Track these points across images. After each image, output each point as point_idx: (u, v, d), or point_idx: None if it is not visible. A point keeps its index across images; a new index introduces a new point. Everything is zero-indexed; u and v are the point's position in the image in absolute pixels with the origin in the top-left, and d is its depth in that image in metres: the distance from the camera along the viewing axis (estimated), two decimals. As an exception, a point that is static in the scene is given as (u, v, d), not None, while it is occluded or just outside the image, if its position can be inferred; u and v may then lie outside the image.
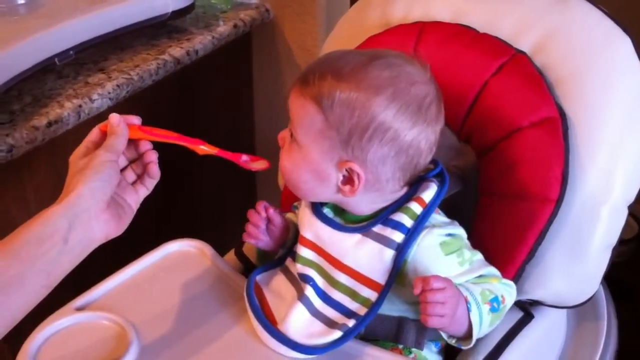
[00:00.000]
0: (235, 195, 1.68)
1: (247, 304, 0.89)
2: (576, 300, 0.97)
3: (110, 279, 0.98)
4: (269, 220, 0.95)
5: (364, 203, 0.87)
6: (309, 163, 0.84)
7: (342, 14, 1.56)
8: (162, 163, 0.85)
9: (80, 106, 1.11)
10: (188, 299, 0.95)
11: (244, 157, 0.88)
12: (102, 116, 1.16)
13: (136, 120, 0.84)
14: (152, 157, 0.84)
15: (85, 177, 0.76)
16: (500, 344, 0.92)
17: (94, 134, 0.83)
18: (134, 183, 0.85)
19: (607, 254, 0.94)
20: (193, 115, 1.49)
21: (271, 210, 0.95)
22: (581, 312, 1.10)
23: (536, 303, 0.98)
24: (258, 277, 0.93)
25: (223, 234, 1.10)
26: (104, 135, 0.82)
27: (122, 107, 1.21)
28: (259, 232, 0.95)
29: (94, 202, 0.75)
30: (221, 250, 1.07)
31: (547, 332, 1.01)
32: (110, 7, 1.25)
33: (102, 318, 0.91)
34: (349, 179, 0.83)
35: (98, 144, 0.81)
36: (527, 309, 0.98)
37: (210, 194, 1.62)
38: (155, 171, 0.84)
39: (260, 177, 1.71)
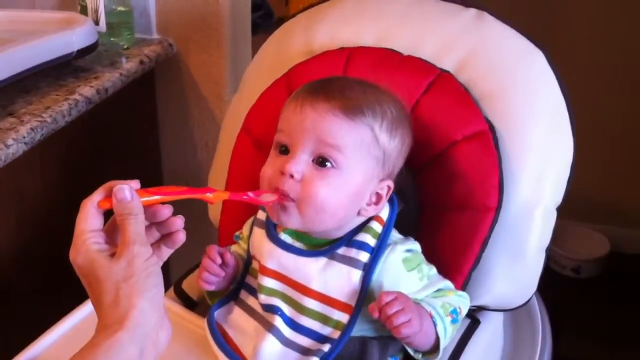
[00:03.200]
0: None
1: (213, 342, 0.86)
2: (518, 302, 1.02)
3: (49, 332, 0.93)
4: (223, 264, 0.92)
5: (352, 224, 0.87)
6: (352, 186, 0.84)
7: (247, 45, 1.59)
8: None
9: (-5, 153, 1.04)
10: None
11: (250, 194, 0.83)
12: (19, 161, 1.10)
13: (136, 184, 0.71)
14: (179, 223, 0.73)
15: (137, 287, 0.65)
16: (455, 351, 0.95)
17: (94, 217, 0.69)
18: None
19: (543, 255, 1.00)
20: (105, 155, 1.44)
21: (228, 255, 0.92)
22: (515, 315, 1.15)
23: (480, 308, 1.02)
24: (215, 314, 0.91)
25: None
26: (100, 217, 0.70)
27: (37, 151, 1.15)
28: (214, 277, 0.92)
29: (158, 314, 0.66)
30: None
31: (492, 335, 1.05)
32: (15, 49, 1.19)
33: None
34: (377, 198, 0.86)
35: (107, 231, 0.70)
36: (473, 316, 1.01)
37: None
38: (181, 239, 0.73)
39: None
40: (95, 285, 0.67)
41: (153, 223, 0.73)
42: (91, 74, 1.34)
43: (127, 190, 0.69)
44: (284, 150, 0.85)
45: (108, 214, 0.72)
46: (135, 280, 0.65)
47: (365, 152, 0.84)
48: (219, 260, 0.91)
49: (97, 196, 0.70)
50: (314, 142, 0.83)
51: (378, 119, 0.85)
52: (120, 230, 0.69)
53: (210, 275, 0.91)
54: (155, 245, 0.73)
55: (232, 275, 0.94)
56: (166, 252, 0.73)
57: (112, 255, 0.68)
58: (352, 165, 0.83)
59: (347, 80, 0.92)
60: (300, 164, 0.83)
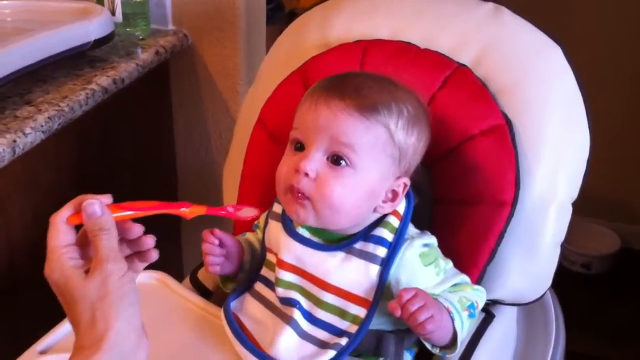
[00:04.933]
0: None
1: (229, 332, 0.87)
2: (532, 297, 1.02)
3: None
4: (220, 244, 0.93)
5: (368, 220, 0.88)
6: (366, 185, 0.83)
7: (261, 38, 1.59)
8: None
9: (14, 141, 1.05)
10: (158, 332, 0.91)
11: (229, 209, 0.81)
12: (34, 151, 1.11)
13: (108, 199, 0.70)
14: (150, 242, 0.72)
15: (113, 307, 0.64)
16: (469, 345, 0.96)
17: (66, 233, 0.67)
18: None
19: (557, 250, 1.00)
20: (118, 147, 1.45)
21: (217, 231, 0.92)
22: (530, 310, 1.15)
23: (494, 302, 1.03)
24: (232, 304, 0.91)
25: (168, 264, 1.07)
26: (72, 231, 0.68)
27: (54, 140, 1.16)
28: (217, 258, 0.92)
29: (135, 334, 0.65)
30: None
31: (506, 330, 1.05)
32: (32, 38, 1.20)
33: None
34: (393, 195, 0.86)
35: (79, 244, 0.68)
36: (488, 309, 1.02)
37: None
38: (154, 257, 0.72)
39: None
40: (71, 303, 0.66)
41: (124, 239, 0.71)
42: (107, 64, 1.34)
43: (97, 205, 0.67)
44: (300, 147, 0.85)
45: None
46: (110, 299, 0.64)
47: (380, 151, 0.83)
48: (216, 241, 0.91)
49: (66, 211, 0.68)
50: (328, 141, 0.82)
51: (394, 117, 0.84)
52: (93, 247, 0.67)
53: (214, 257, 0.91)
54: (129, 258, 0.71)
55: (237, 256, 0.94)
56: (140, 265, 0.72)
57: (87, 271, 0.67)
58: (367, 165, 0.83)
59: (363, 77, 0.90)
60: (314, 162, 0.82)
